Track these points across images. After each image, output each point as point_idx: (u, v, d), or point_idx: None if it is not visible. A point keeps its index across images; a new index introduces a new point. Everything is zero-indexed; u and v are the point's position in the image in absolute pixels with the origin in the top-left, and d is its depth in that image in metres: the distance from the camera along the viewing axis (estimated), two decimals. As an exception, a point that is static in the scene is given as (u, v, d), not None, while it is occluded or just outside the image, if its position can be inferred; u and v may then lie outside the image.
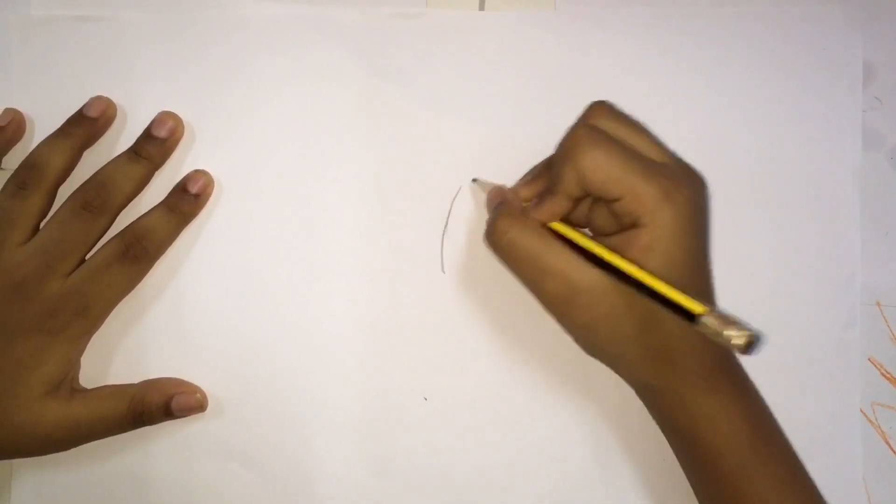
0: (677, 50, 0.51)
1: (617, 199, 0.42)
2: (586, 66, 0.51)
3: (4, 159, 0.50)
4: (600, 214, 0.45)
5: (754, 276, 0.50)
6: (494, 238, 0.44)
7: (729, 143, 0.51)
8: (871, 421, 0.50)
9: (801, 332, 0.50)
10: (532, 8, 0.51)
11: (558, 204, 0.44)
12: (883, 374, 0.50)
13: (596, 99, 0.45)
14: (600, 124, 0.44)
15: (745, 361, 0.47)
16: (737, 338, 0.37)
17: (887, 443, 0.50)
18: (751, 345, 0.37)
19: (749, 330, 0.37)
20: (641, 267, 0.41)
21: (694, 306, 0.39)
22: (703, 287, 0.44)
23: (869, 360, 0.50)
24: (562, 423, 0.50)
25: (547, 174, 0.46)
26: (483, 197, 0.49)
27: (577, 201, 0.44)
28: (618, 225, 0.44)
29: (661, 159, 0.44)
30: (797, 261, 0.50)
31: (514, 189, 0.47)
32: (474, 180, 0.50)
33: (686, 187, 0.42)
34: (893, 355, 0.50)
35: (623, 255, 0.41)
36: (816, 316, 0.50)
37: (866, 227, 0.50)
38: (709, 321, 0.38)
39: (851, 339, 0.50)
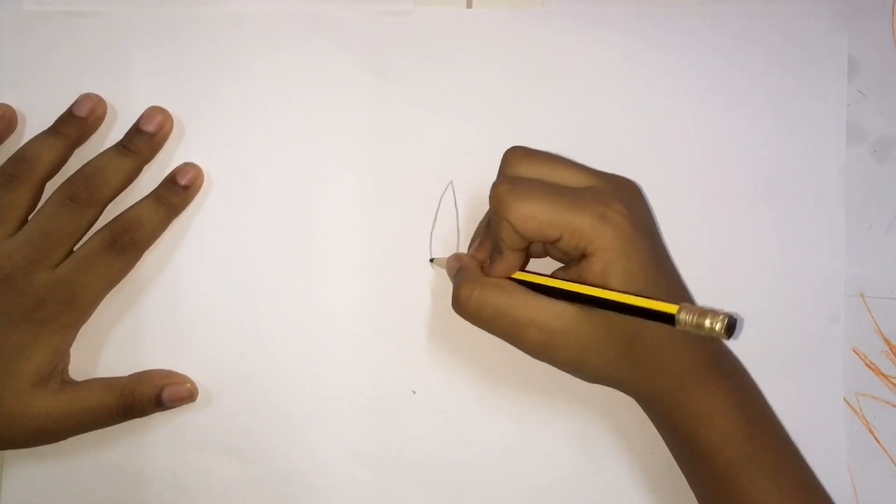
0: (664, 46, 0.51)
1: (557, 240, 0.42)
2: (574, 63, 0.51)
3: (-6, 155, 0.50)
4: (552, 249, 0.46)
5: (740, 268, 0.50)
6: (461, 306, 0.44)
7: (715, 138, 0.51)
8: (855, 411, 0.50)
9: (786, 324, 0.50)
10: (519, 5, 0.51)
11: (508, 261, 0.44)
12: (867, 365, 0.50)
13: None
14: (518, 170, 0.45)
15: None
16: (714, 324, 0.38)
17: (871, 432, 0.50)
18: (730, 327, 0.38)
19: (723, 314, 0.38)
20: (603, 288, 0.42)
21: (666, 308, 0.39)
22: (671, 283, 0.45)
23: (853, 350, 0.50)
24: (551, 417, 0.51)
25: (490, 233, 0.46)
26: (469, 203, 0.50)
27: (526, 249, 0.45)
28: (569, 257, 0.44)
29: (586, 183, 0.44)
30: (782, 254, 0.50)
31: (471, 255, 0.48)
32: (431, 260, 0.51)
33: (617, 202, 0.43)
34: (878, 346, 0.50)
35: (585, 284, 0.42)
36: (801, 308, 0.50)
37: (850, 219, 0.51)
38: (684, 317, 0.39)
39: (836, 332, 0.50)
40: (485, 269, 0.46)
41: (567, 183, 0.44)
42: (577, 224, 0.42)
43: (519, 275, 0.45)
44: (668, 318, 0.39)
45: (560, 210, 0.42)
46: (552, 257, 0.47)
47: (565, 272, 0.44)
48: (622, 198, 0.43)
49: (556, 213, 0.42)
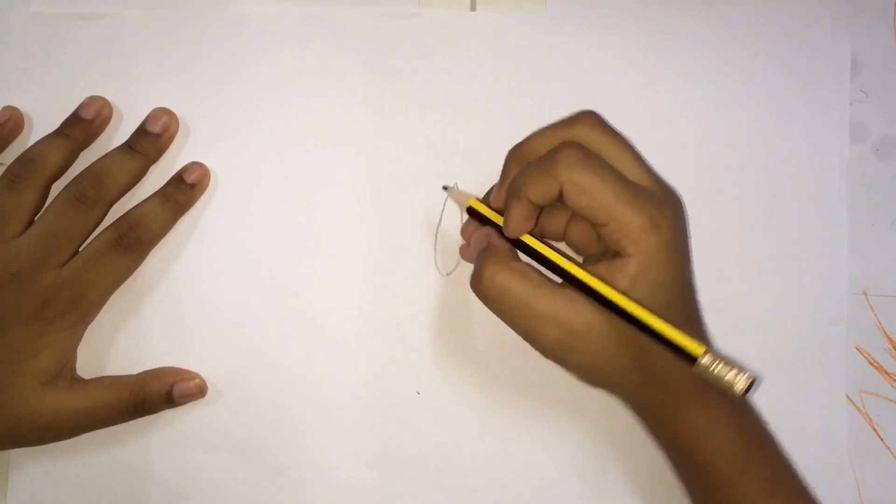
0: (667, 48, 0.51)
1: (602, 225, 0.41)
2: (577, 66, 0.51)
3: (1, 156, 0.50)
4: (579, 232, 0.45)
5: (743, 267, 0.51)
6: (482, 286, 0.43)
7: (718, 139, 0.51)
8: (858, 409, 0.50)
9: (788, 322, 0.50)
10: (523, 8, 0.52)
11: (525, 209, 0.43)
12: (870, 363, 0.50)
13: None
14: (588, 137, 0.43)
15: (735, 351, 0.47)
16: (737, 382, 0.37)
17: (874, 430, 0.50)
18: (749, 388, 0.37)
19: (747, 372, 0.37)
20: (628, 295, 0.41)
21: (693, 348, 0.39)
22: (690, 309, 0.45)
23: (856, 348, 0.50)
24: (554, 418, 0.51)
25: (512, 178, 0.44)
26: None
27: (541, 208, 0.43)
28: (599, 246, 0.44)
29: (645, 182, 0.43)
30: (785, 252, 0.51)
31: (498, 236, 0.45)
32: (444, 187, 0.49)
33: (669, 213, 0.42)
34: (880, 344, 0.50)
35: (610, 284, 0.41)
36: (804, 306, 0.51)
37: (853, 217, 0.51)
38: (706, 363, 0.39)
39: (839, 329, 0.51)
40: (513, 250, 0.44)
41: (626, 174, 0.43)
42: (628, 219, 0.40)
43: (546, 251, 0.43)
44: (689, 356, 0.39)
45: (618, 199, 0.41)
46: (570, 245, 0.46)
47: (590, 268, 0.43)
48: (674, 209, 0.43)
49: (613, 199, 0.41)
